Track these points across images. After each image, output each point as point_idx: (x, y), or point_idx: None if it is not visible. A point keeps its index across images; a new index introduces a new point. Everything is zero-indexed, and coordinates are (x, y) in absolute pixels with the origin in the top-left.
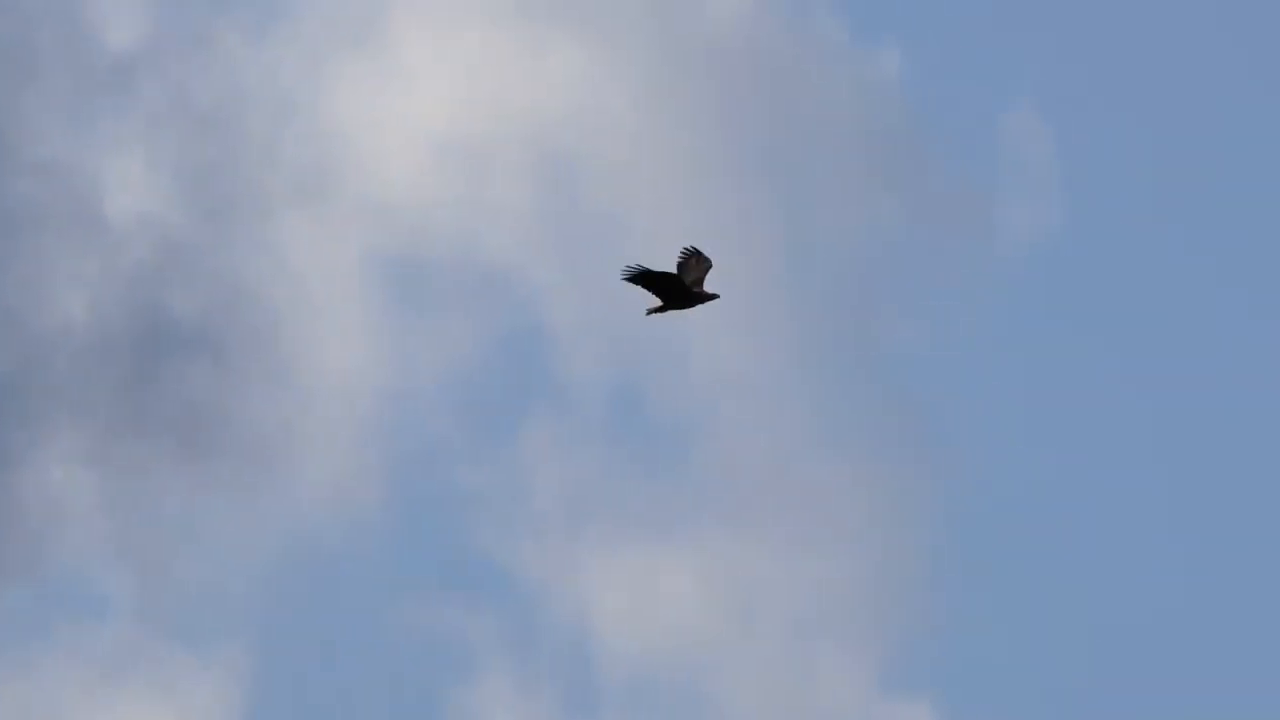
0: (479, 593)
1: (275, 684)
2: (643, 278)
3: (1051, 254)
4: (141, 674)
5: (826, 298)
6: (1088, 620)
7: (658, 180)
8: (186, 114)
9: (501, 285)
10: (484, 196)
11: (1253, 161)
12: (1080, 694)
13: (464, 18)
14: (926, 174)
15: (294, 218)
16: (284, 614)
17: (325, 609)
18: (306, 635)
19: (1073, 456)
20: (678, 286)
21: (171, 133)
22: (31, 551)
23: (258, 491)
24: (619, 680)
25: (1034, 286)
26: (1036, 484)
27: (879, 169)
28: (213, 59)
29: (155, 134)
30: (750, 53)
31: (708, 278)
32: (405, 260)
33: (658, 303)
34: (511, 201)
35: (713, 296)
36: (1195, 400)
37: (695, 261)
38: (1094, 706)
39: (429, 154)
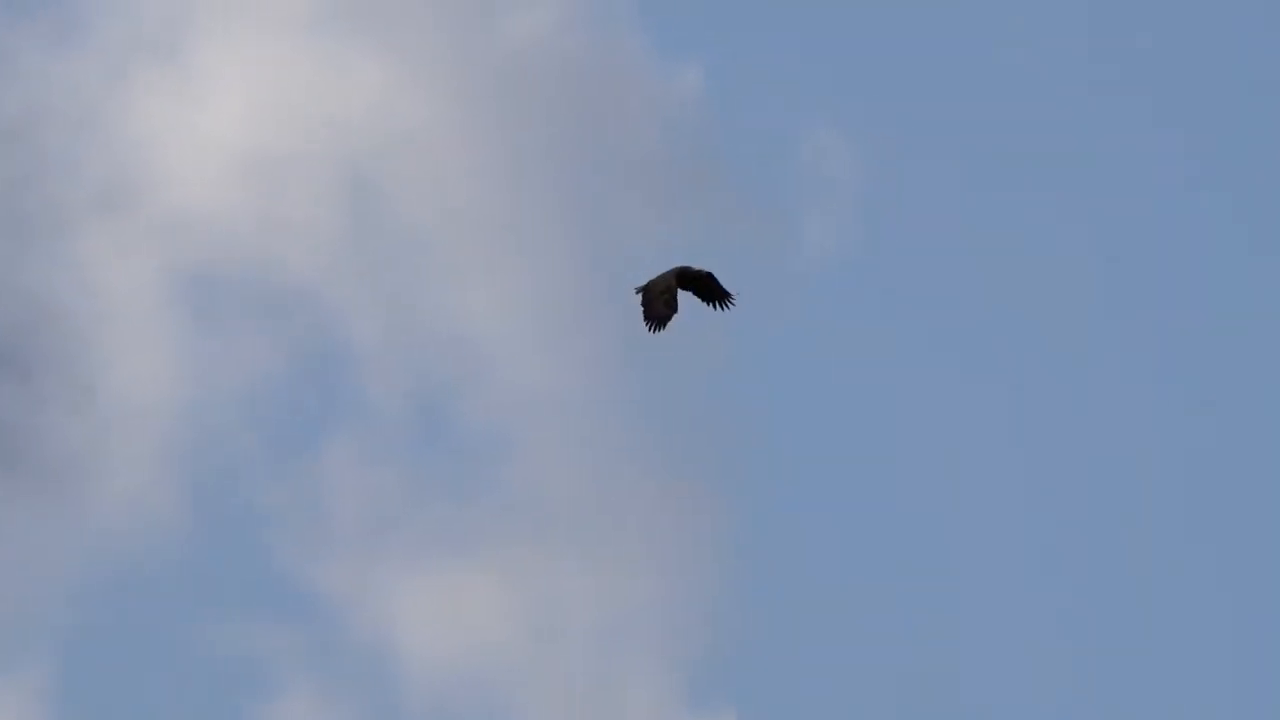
0: (281, 610)
1: (77, 703)
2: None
3: (852, 270)
4: None
5: (629, 314)
6: (894, 633)
7: (459, 195)
8: None
9: (303, 301)
10: (285, 211)
11: (1045, 173)
12: (886, 707)
13: (265, 31)
14: (729, 190)
15: (94, 233)
16: (86, 632)
17: (127, 627)
18: (109, 653)
19: (874, 470)
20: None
21: None
22: None
23: (58, 509)
24: (422, 698)
25: (835, 303)
26: (840, 498)
27: (682, 185)
28: (11, 72)
29: None
30: (553, 68)
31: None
32: (206, 276)
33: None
34: (313, 217)
35: (694, 274)
36: (996, 413)
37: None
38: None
39: (229, 168)
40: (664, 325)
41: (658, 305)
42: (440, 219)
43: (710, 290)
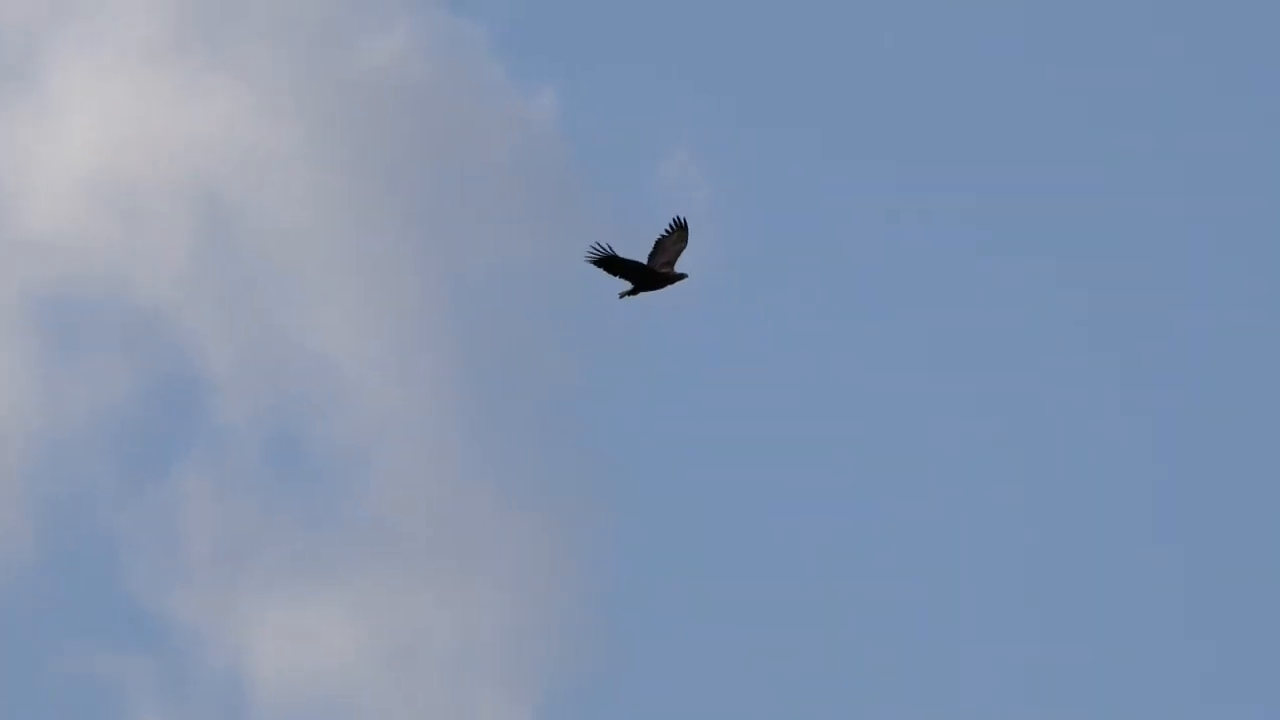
0: (135, 638)
1: None
2: (608, 262)
3: (709, 291)
4: None
5: (486, 339)
6: (750, 663)
7: (316, 222)
8: None
9: (157, 325)
10: (139, 235)
11: (898, 195)
12: None
13: (120, 56)
14: (585, 214)
15: None
16: None
17: None
18: None
19: (731, 493)
20: (644, 272)
21: None
22: None
23: None
24: None
25: (691, 324)
26: (696, 522)
27: (537, 209)
28: None
29: None
30: (406, 92)
31: (681, 258)
32: (60, 300)
33: (628, 286)
34: (167, 243)
35: (680, 277)
36: (854, 431)
37: (674, 240)
38: None
39: (84, 194)
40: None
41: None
42: (295, 243)
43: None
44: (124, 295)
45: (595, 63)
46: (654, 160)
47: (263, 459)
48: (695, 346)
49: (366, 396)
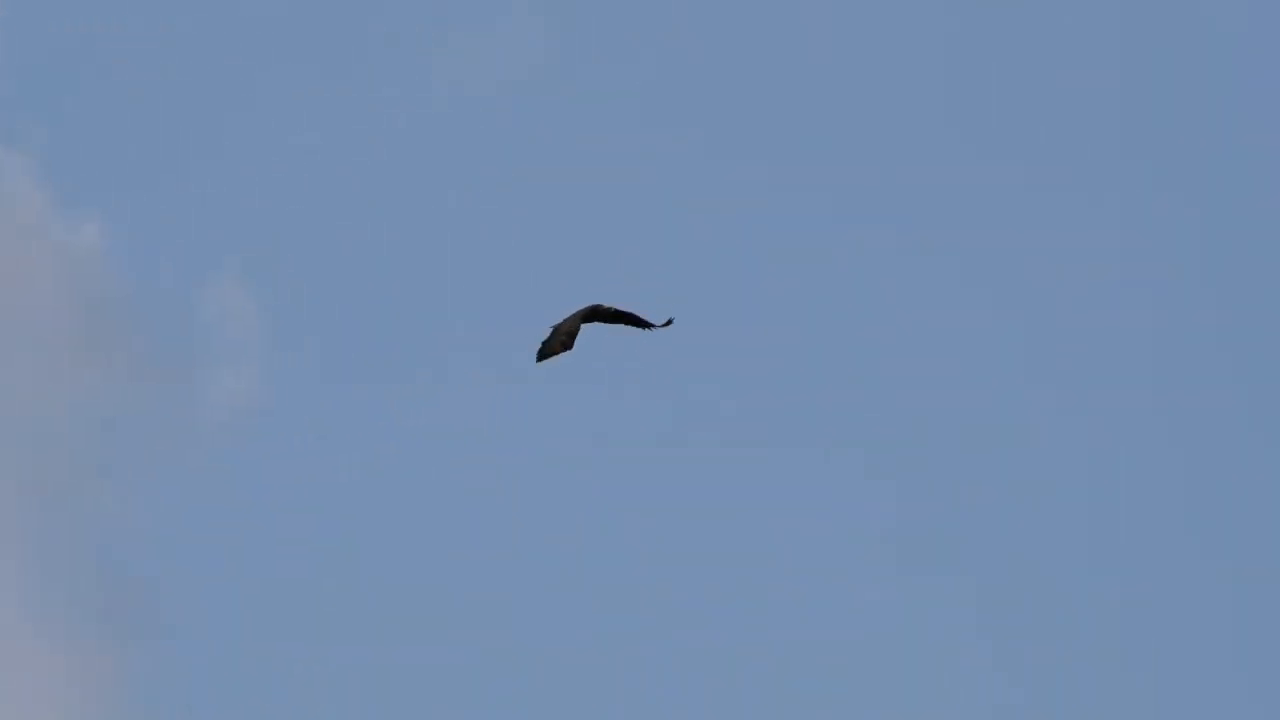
0: None
1: None
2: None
3: (254, 421)
4: None
5: (28, 471)
6: None
7: None
8: None
9: None
10: None
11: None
12: None
13: None
14: (129, 347)
15: None
16: None
17: None
18: None
19: (283, 626)
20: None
21: None
22: None
23: None
24: None
25: (239, 454)
26: (243, 656)
27: (80, 342)
28: None
29: None
30: None
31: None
32: None
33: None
34: None
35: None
36: (429, 556)
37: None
38: None
39: None
40: (545, 358)
41: (554, 343)
42: None
43: (633, 322)
44: None
45: (139, 190)
46: (201, 286)
47: None
48: (242, 473)
49: None
